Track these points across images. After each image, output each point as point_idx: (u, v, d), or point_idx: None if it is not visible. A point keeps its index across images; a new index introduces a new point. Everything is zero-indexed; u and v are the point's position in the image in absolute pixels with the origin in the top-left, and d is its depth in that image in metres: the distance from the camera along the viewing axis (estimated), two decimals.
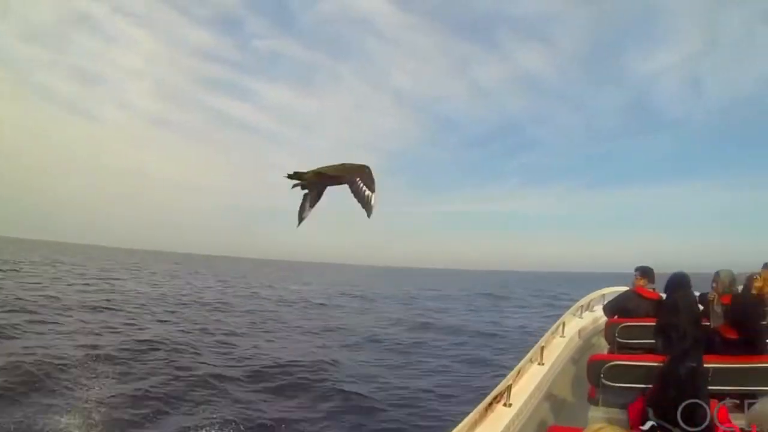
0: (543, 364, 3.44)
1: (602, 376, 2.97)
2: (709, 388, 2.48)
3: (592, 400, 3.22)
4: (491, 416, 2.47)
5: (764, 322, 3.07)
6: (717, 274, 3.48)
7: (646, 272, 3.92)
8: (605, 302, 4.80)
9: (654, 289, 3.90)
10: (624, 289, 4.45)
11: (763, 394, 2.42)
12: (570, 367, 4.07)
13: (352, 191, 1.52)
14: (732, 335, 3.09)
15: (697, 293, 3.66)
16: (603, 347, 4.30)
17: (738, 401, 2.62)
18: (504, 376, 2.80)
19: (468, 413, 2.27)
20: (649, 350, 3.26)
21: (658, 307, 3.60)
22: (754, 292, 3.51)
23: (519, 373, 2.97)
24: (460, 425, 2.07)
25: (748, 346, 2.93)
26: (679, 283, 3.54)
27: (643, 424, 2.08)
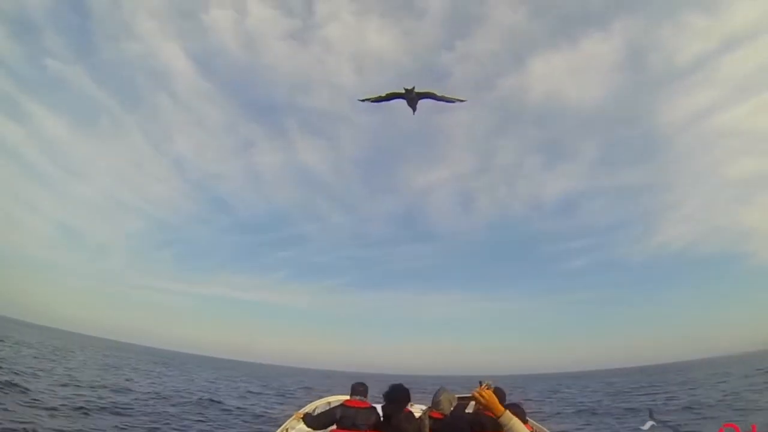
0: None
1: None
2: None
3: None
4: None
5: None
6: (437, 392, 3.77)
7: (355, 389, 4.18)
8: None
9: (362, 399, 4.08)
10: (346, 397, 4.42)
11: None
12: None
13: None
14: None
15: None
16: None
17: None
18: None
19: None
20: None
21: (378, 422, 3.75)
22: (469, 411, 3.80)
23: None
24: None
25: None
26: (393, 397, 3.56)
27: None
